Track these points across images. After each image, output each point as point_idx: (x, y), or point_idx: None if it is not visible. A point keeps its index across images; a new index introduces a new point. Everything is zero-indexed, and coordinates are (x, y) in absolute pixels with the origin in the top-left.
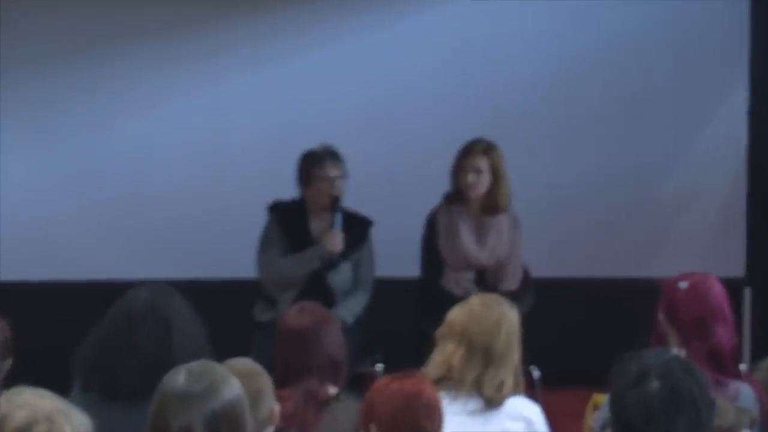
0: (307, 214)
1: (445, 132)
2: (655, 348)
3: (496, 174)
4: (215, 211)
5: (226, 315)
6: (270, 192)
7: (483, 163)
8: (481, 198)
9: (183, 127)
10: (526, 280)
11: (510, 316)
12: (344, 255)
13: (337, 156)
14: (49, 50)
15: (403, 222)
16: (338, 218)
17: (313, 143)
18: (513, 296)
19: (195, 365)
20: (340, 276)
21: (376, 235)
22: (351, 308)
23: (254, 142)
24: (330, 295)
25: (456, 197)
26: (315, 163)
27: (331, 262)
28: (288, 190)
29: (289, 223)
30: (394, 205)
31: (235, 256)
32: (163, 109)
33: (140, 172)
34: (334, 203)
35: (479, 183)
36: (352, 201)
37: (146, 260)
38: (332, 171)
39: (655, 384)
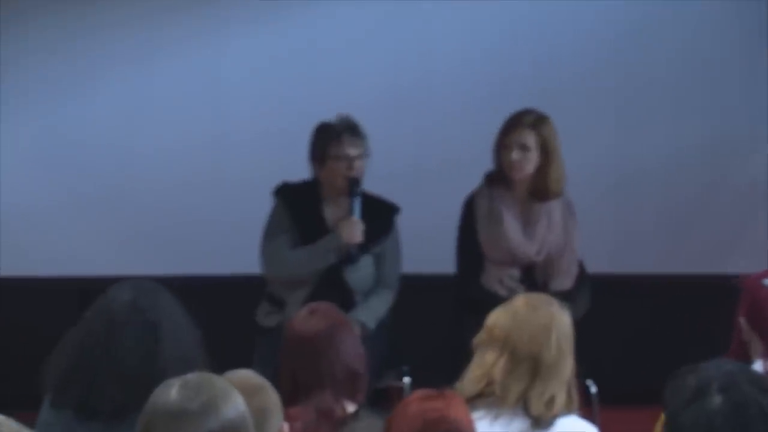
0: (321, 199)
1: (482, 105)
2: (719, 359)
3: (546, 152)
4: (214, 196)
5: (224, 318)
6: (279, 171)
7: (530, 138)
8: (529, 180)
9: (181, 92)
10: (582, 277)
11: (561, 320)
12: (365, 247)
13: (358, 131)
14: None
15: (434, 209)
16: (357, 204)
17: (327, 114)
18: (566, 296)
19: (190, 378)
20: (360, 272)
21: (403, 224)
22: (373, 311)
23: (259, 115)
24: (348, 294)
25: (499, 178)
26: (331, 139)
27: (349, 256)
28: (301, 167)
29: (299, 209)
30: (424, 189)
31: (235, 248)
32: (162, 61)
33: (128, 148)
34: (353, 186)
35: (525, 162)
36: (374, 185)
37: (131, 254)
38: (351, 149)
39: (716, 399)
